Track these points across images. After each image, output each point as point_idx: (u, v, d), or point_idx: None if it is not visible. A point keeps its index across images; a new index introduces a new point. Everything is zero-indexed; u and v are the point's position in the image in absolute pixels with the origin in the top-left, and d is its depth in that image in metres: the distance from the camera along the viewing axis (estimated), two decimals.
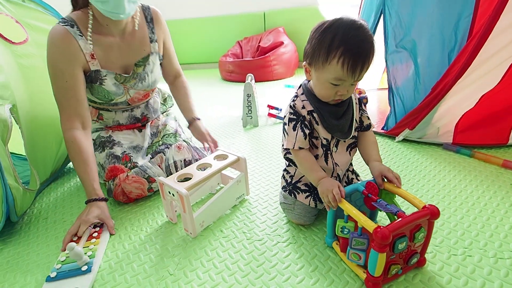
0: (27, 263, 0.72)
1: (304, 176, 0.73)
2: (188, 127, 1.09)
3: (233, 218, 0.82)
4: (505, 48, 0.96)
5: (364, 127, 0.71)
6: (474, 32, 0.97)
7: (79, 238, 0.72)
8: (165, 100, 1.20)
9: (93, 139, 0.94)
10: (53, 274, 0.63)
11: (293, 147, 0.66)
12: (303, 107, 0.66)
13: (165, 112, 1.17)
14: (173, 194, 0.72)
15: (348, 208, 0.57)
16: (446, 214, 0.77)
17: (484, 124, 1.10)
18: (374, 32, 1.35)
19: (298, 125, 0.65)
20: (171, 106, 1.21)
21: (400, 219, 0.52)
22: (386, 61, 1.26)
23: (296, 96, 0.68)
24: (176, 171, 0.90)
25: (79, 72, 0.81)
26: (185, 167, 0.91)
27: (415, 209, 0.56)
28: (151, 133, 1.04)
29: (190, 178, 0.75)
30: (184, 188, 0.69)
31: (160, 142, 0.98)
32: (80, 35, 0.80)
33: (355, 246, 0.56)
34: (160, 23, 0.98)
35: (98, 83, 0.86)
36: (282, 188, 0.78)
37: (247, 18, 3.10)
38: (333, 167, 0.70)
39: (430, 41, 1.08)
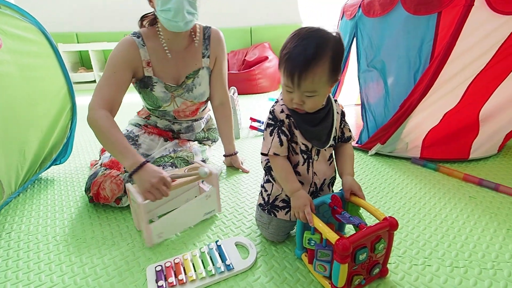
0: (5, 284, 0.68)
1: (281, 194, 0.72)
2: (225, 156, 1.20)
3: (207, 231, 0.82)
4: (463, 70, 1.05)
5: (345, 138, 0.72)
6: (435, 55, 1.05)
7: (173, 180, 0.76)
8: (208, 130, 1.25)
9: (127, 130, 1.08)
10: None
11: (268, 152, 0.65)
12: (282, 111, 0.65)
13: (201, 142, 1.20)
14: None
15: (314, 221, 0.60)
16: (410, 226, 0.81)
17: (448, 140, 1.18)
18: (348, 52, 1.43)
19: (275, 131, 0.65)
20: (212, 141, 1.27)
21: (360, 230, 0.55)
22: (358, 79, 1.34)
23: (277, 101, 0.68)
24: None
25: (129, 73, 0.90)
26: None
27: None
28: (172, 149, 1.05)
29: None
30: (140, 197, 0.70)
31: (171, 161, 0.98)
32: (142, 45, 0.91)
33: (320, 257, 0.58)
34: (216, 41, 1.03)
35: (149, 88, 0.97)
36: (260, 206, 0.77)
37: (235, 32, 3.18)
38: (312, 176, 0.69)
39: (397, 62, 1.16)
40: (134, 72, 0.93)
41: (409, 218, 0.85)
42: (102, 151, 1.22)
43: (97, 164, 1.01)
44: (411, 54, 1.11)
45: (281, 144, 0.65)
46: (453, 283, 0.62)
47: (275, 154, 0.65)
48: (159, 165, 0.95)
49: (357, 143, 1.38)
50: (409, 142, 1.22)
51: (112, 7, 3.44)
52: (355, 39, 1.33)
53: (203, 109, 1.17)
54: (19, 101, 0.98)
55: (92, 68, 3.26)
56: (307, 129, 0.65)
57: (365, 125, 1.34)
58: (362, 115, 1.35)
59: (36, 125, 1.05)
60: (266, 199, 0.74)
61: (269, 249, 0.74)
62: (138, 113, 1.16)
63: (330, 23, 2.97)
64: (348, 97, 1.94)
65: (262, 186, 0.76)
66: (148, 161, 0.77)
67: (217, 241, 0.75)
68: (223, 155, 1.21)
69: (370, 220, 0.81)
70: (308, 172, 0.68)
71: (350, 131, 0.73)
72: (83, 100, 2.60)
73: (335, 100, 0.70)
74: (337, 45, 0.58)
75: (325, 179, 0.71)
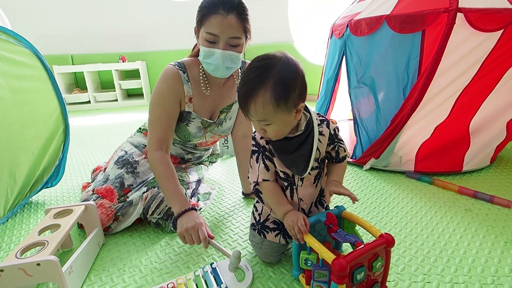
0: None
1: (270, 214, 0.72)
2: (244, 195, 1.13)
3: (202, 253, 0.80)
4: (450, 85, 1.08)
5: (339, 159, 0.69)
6: (422, 71, 1.09)
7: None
8: (211, 155, 1.26)
9: (125, 151, 1.05)
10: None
11: (257, 180, 0.65)
12: (261, 137, 0.65)
13: (200, 163, 1.20)
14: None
15: (310, 240, 0.59)
16: (407, 241, 0.80)
17: (441, 153, 1.19)
18: (338, 69, 1.47)
19: (260, 157, 0.65)
20: (211, 162, 1.27)
21: (357, 249, 0.54)
22: (350, 96, 1.36)
23: None
24: (156, 209, 0.89)
25: (177, 107, 0.90)
26: (164, 214, 0.90)
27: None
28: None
29: (41, 246, 0.65)
30: (51, 255, 0.60)
31: None
32: (187, 81, 0.90)
33: (317, 278, 0.57)
34: None
35: (185, 123, 0.94)
36: (251, 226, 0.76)
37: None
38: (298, 202, 0.68)
39: (386, 78, 1.19)
40: (180, 105, 0.91)
41: (406, 233, 0.84)
42: (95, 171, 1.20)
43: (89, 189, 0.99)
44: (399, 70, 1.14)
45: (267, 169, 0.65)
46: None
47: (264, 180, 0.65)
48: (153, 187, 0.93)
49: (351, 158, 1.38)
50: (403, 156, 1.23)
51: (107, 29, 3.52)
52: (344, 56, 1.37)
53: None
54: (11, 124, 0.98)
55: (86, 89, 3.28)
56: (283, 157, 0.64)
57: (358, 140, 1.35)
58: (355, 130, 1.37)
59: (27, 147, 1.04)
60: (258, 218, 0.74)
61: (265, 270, 0.72)
62: (144, 132, 1.11)
63: (321, 41, 3.07)
64: (341, 112, 1.98)
65: (254, 206, 0.76)
66: (194, 208, 0.79)
67: (212, 263, 0.73)
68: (242, 193, 1.12)
69: (367, 237, 0.80)
70: (292, 198, 0.67)
71: (345, 150, 0.69)
72: (77, 121, 2.62)
73: (324, 121, 0.67)
74: (280, 73, 0.56)
75: (312, 202, 0.70)
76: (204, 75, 0.92)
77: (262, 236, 0.72)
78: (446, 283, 0.65)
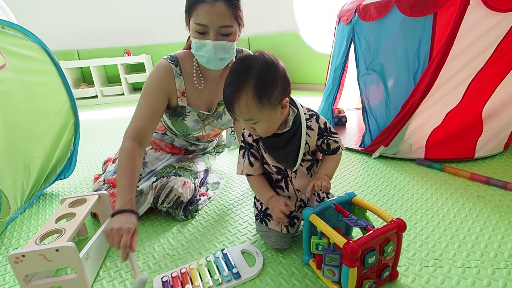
0: None
1: None
2: None
3: (213, 240, 0.81)
4: (463, 69, 1.05)
5: (331, 150, 0.70)
6: (433, 55, 1.06)
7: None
8: (217, 146, 1.27)
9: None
10: None
11: (242, 173, 0.70)
12: (249, 135, 0.69)
13: (205, 154, 1.20)
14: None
15: (320, 225, 0.59)
16: (418, 227, 0.80)
17: (452, 139, 1.17)
18: (346, 56, 1.44)
19: (245, 153, 0.69)
20: (217, 152, 1.27)
21: (368, 233, 0.54)
22: (358, 83, 1.34)
23: None
24: (165, 199, 0.89)
25: (163, 101, 0.88)
26: (173, 203, 0.89)
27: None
28: (174, 160, 1.06)
29: (59, 234, 0.67)
30: (69, 242, 0.62)
31: (173, 171, 0.98)
32: (179, 74, 0.88)
33: (328, 262, 0.57)
34: None
35: (181, 117, 0.93)
36: (255, 217, 0.78)
37: None
38: (295, 193, 0.71)
39: (396, 64, 1.17)
40: (168, 99, 0.90)
41: (417, 220, 0.84)
42: (105, 163, 1.22)
43: (100, 179, 1.01)
44: (409, 55, 1.12)
45: (251, 165, 0.69)
46: (466, 284, 0.60)
47: (248, 174, 0.70)
48: (162, 176, 0.94)
49: (360, 146, 1.37)
50: (413, 143, 1.21)
51: (111, 23, 3.52)
52: (352, 43, 1.34)
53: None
54: (23, 118, 1.00)
55: (93, 84, 3.31)
56: (273, 153, 0.68)
57: (367, 128, 1.34)
58: (364, 118, 1.35)
59: (40, 141, 1.06)
60: (259, 208, 0.76)
61: (276, 256, 0.73)
62: None
63: (327, 29, 3.01)
64: (349, 101, 1.95)
65: (255, 197, 0.79)
66: (132, 211, 0.72)
67: (223, 249, 0.74)
68: None
69: (377, 223, 0.80)
70: (288, 189, 0.71)
71: (336, 142, 0.69)
72: (86, 116, 2.66)
73: (313, 115, 0.68)
74: (260, 72, 0.58)
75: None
76: (198, 68, 0.90)
77: (265, 224, 0.74)
78: (457, 268, 0.65)
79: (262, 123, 0.61)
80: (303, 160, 0.68)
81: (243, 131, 0.71)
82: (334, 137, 0.69)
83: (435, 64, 1.04)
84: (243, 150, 0.70)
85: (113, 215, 0.71)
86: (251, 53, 0.87)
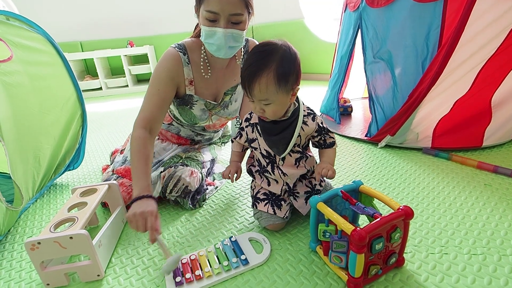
0: (9, 283, 0.70)
1: (262, 186, 0.80)
2: None
3: (221, 228, 0.83)
4: (473, 56, 1.03)
5: (327, 144, 0.76)
6: (443, 42, 1.04)
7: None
8: (223, 136, 1.28)
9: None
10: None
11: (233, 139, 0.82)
12: (246, 120, 0.78)
13: (211, 144, 1.21)
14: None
15: (328, 212, 0.60)
16: (424, 215, 0.81)
17: (460, 128, 1.16)
18: (353, 44, 1.42)
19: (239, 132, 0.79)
20: (222, 143, 1.29)
21: (376, 220, 0.55)
22: (365, 72, 1.32)
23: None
24: (173, 188, 0.90)
25: (172, 90, 0.89)
26: (181, 192, 0.90)
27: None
28: (181, 150, 1.07)
29: (72, 222, 0.69)
30: (82, 229, 0.64)
31: (180, 161, 1.00)
32: (187, 63, 0.89)
33: (336, 249, 0.58)
34: None
35: (188, 106, 0.94)
36: (252, 205, 0.83)
37: None
38: (281, 177, 0.75)
39: (404, 52, 1.15)
40: (177, 88, 0.91)
41: (423, 208, 0.84)
42: (113, 154, 1.24)
43: (109, 170, 1.03)
44: (418, 42, 1.09)
45: (240, 136, 0.79)
46: (472, 270, 0.61)
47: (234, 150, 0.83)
48: (169, 166, 0.96)
49: (366, 136, 1.37)
50: (420, 132, 1.21)
51: (115, 15, 3.49)
52: (359, 31, 1.32)
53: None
54: (31, 110, 1.01)
55: (97, 76, 3.31)
56: (266, 137, 0.73)
57: (373, 117, 1.33)
58: (370, 107, 1.34)
59: (48, 132, 1.08)
60: (252, 193, 0.83)
61: (283, 243, 0.74)
62: None
63: (332, 17, 2.95)
64: (354, 90, 1.93)
65: (250, 187, 0.85)
66: (150, 196, 0.73)
67: (231, 237, 0.76)
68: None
69: (384, 212, 0.81)
70: (274, 173, 0.76)
71: (332, 138, 0.76)
72: (91, 108, 2.67)
73: (311, 114, 0.73)
74: (282, 57, 0.63)
75: (297, 180, 0.78)
76: (206, 57, 0.90)
77: (255, 207, 0.79)
78: (464, 254, 0.66)
79: (273, 106, 0.65)
80: (292, 151, 0.73)
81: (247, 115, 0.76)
82: (330, 135, 0.76)
83: (444, 51, 1.02)
84: (238, 130, 0.80)
85: (132, 202, 0.71)
86: (257, 42, 0.93)
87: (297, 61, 0.65)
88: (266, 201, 0.78)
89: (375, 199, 0.67)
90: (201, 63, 0.90)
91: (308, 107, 0.75)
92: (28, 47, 1.05)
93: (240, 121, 0.83)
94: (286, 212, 0.77)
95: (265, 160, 0.76)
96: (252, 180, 0.84)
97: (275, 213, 0.76)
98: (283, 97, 0.65)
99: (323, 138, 0.75)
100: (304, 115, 0.72)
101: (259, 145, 0.75)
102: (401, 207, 0.58)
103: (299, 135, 0.71)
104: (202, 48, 0.89)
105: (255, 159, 0.82)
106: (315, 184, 0.80)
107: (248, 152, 0.87)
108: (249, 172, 0.83)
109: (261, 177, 0.80)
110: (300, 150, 0.75)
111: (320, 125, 0.74)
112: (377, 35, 1.22)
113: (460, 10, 0.97)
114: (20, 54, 1.01)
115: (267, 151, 0.75)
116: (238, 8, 0.75)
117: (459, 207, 0.83)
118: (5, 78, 0.94)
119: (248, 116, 0.77)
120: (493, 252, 0.66)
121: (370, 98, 1.33)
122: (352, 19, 1.36)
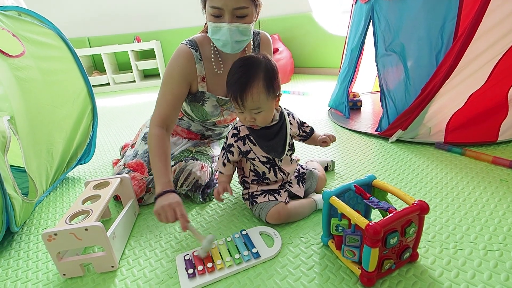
0: (27, 273, 0.72)
1: (258, 187, 0.83)
2: None
3: (232, 221, 0.83)
4: (489, 48, 1.00)
5: (309, 132, 0.87)
6: (459, 34, 1.01)
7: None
8: None
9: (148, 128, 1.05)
10: None
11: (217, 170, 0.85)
12: (233, 136, 0.79)
13: (220, 138, 1.21)
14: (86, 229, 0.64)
15: (342, 207, 0.59)
16: (438, 211, 0.79)
17: (474, 122, 1.13)
18: (364, 37, 1.39)
19: (224, 154, 0.81)
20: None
21: (391, 214, 0.54)
22: (377, 65, 1.30)
23: (234, 125, 0.82)
24: (184, 182, 0.91)
25: (185, 88, 0.89)
26: (192, 186, 0.92)
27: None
28: (191, 144, 1.08)
29: (86, 214, 0.70)
30: (97, 221, 0.66)
31: (190, 155, 1.01)
32: (199, 59, 0.89)
33: (349, 243, 0.58)
34: (264, 47, 0.98)
35: (200, 103, 0.94)
36: (250, 207, 0.84)
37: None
38: (283, 177, 0.82)
39: (418, 44, 1.12)
40: (190, 86, 0.91)
41: (436, 203, 0.83)
42: (123, 148, 1.25)
43: (120, 164, 1.04)
44: (432, 34, 1.06)
45: (224, 166, 0.81)
46: (488, 266, 0.60)
47: (220, 172, 0.83)
48: (180, 160, 0.96)
49: (376, 130, 1.35)
50: (432, 126, 1.18)
51: (122, 10, 3.49)
52: (371, 23, 1.29)
53: None
54: (44, 104, 1.02)
55: (105, 71, 3.34)
56: (263, 144, 0.77)
57: (384, 111, 1.31)
58: (381, 102, 1.32)
59: (60, 126, 1.09)
60: (246, 197, 0.85)
61: (294, 238, 0.74)
62: None
63: (341, 9, 2.89)
64: (364, 85, 1.90)
65: (242, 194, 0.88)
66: (173, 190, 0.75)
67: (242, 230, 0.76)
68: None
69: (397, 206, 0.80)
70: (276, 176, 0.81)
71: (309, 126, 0.88)
72: (100, 103, 2.69)
73: (290, 113, 0.83)
74: (266, 67, 0.71)
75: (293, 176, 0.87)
76: (217, 52, 0.89)
77: (255, 203, 0.81)
78: (479, 250, 0.64)
79: (264, 113, 0.72)
80: (287, 150, 0.80)
81: (233, 127, 0.80)
82: (306, 125, 0.88)
83: (460, 43, 0.99)
84: (223, 151, 0.81)
85: (155, 199, 0.74)
86: (269, 36, 1.00)
87: (276, 69, 0.74)
88: (264, 194, 0.81)
89: (388, 193, 0.66)
90: (213, 59, 0.89)
91: (285, 108, 0.83)
92: (39, 42, 1.06)
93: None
94: (286, 197, 0.81)
95: (265, 166, 0.79)
96: (245, 188, 0.85)
97: (276, 199, 0.79)
98: (271, 103, 0.73)
99: (303, 130, 0.86)
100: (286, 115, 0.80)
101: (255, 154, 0.78)
102: (416, 202, 0.57)
103: (290, 134, 0.80)
104: (212, 43, 0.88)
105: (248, 170, 0.82)
106: (299, 169, 0.89)
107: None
108: (243, 183, 0.86)
109: (259, 184, 0.83)
110: (290, 147, 0.82)
111: (298, 121, 0.85)
112: (389, 27, 1.19)
113: (478, 1, 0.93)
114: (32, 49, 1.02)
115: (265, 157, 0.79)
116: (241, 2, 0.74)
117: (474, 202, 0.81)
118: (18, 73, 0.95)
119: (235, 131, 0.79)
120: (510, 248, 0.64)
121: (382, 91, 1.30)
122: (363, 11, 1.33)
